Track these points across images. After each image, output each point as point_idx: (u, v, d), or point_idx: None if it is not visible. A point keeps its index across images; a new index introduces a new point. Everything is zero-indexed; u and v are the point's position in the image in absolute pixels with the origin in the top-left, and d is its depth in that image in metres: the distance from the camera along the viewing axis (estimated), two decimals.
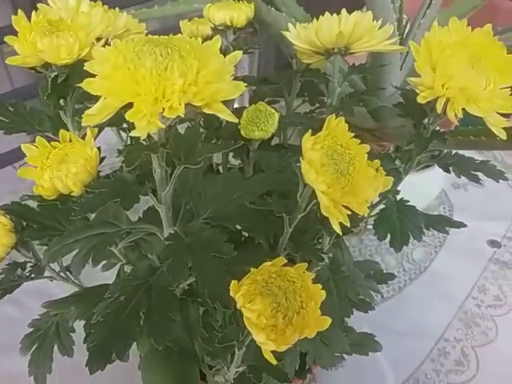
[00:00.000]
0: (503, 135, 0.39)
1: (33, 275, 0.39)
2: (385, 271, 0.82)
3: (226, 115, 0.27)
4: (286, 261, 0.27)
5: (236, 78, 0.49)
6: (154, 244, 0.39)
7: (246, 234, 0.38)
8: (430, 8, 0.71)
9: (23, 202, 0.40)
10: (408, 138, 0.71)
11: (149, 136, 0.28)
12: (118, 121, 0.25)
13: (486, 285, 0.79)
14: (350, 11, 0.41)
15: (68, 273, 0.45)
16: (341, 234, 0.29)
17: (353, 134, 0.31)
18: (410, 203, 0.46)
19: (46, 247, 0.40)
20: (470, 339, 0.71)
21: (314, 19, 0.40)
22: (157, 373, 0.37)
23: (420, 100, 0.37)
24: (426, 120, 0.42)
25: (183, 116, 0.24)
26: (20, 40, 0.33)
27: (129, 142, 0.47)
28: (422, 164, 0.45)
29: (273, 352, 0.25)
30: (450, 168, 0.43)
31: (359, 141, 0.32)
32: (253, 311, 0.24)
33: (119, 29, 0.43)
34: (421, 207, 0.89)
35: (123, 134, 0.50)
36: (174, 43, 0.26)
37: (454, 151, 0.44)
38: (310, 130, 0.29)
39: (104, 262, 0.45)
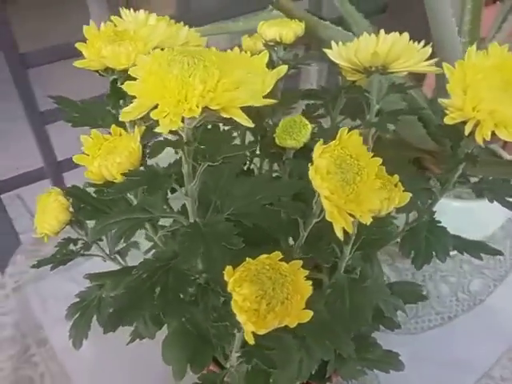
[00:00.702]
0: None
1: (82, 251, 0.45)
2: (437, 299, 0.81)
3: (243, 120, 0.30)
4: (281, 256, 0.30)
5: (285, 91, 0.52)
6: None
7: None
8: (499, 32, 0.69)
9: (84, 188, 0.47)
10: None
11: (178, 134, 0.32)
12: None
13: None
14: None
15: (117, 255, 0.51)
16: (342, 239, 0.31)
17: (366, 147, 0.33)
18: (441, 224, 0.46)
19: None
20: None
21: (355, 38, 0.42)
22: (174, 351, 0.41)
23: (447, 121, 0.38)
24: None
25: (200, 117, 0.28)
26: (88, 46, 0.39)
27: None
28: (456, 187, 0.45)
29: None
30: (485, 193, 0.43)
31: (372, 154, 0.33)
32: (240, 294, 0.27)
33: (180, 41, 0.48)
34: (480, 236, 0.87)
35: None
36: (202, 55, 0.30)
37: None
38: (321, 140, 0.31)
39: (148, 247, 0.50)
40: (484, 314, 0.77)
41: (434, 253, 0.43)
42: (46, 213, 0.42)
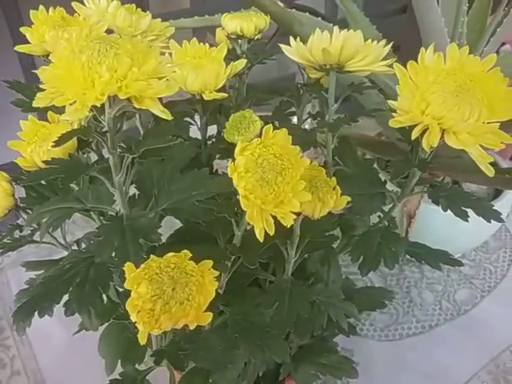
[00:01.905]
0: (490, 172, 0.37)
1: (29, 238, 0.44)
2: (419, 307, 0.79)
3: (157, 111, 0.29)
4: (190, 255, 0.29)
5: (251, 86, 0.51)
6: None
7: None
8: (493, 36, 0.67)
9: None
10: (461, 170, 0.68)
11: (99, 123, 0.32)
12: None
13: None
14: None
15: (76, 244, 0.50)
16: (261, 241, 0.30)
17: (296, 148, 0.32)
18: (396, 231, 0.44)
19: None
20: None
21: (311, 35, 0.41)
22: (110, 344, 0.40)
23: (392, 124, 0.36)
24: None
25: (99, 105, 0.27)
26: (32, 31, 0.38)
27: None
28: (415, 192, 0.43)
29: None
30: (440, 200, 0.41)
31: (300, 155, 0.32)
32: (135, 293, 0.26)
33: (140, 29, 0.47)
34: (473, 244, 0.84)
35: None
36: (118, 43, 0.29)
37: (450, 184, 0.42)
38: (244, 136, 0.30)
39: None
40: (467, 325, 0.75)
41: (382, 260, 0.41)
42: None
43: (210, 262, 0.29)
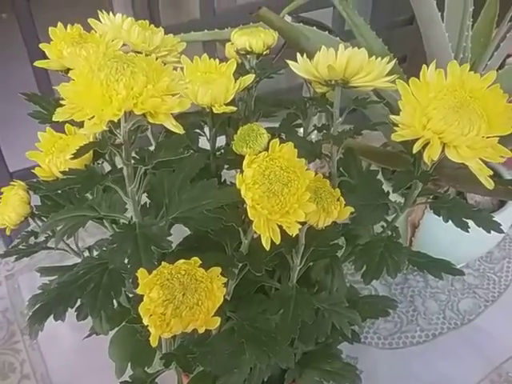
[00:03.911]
0: (490, 184, 0.38)
1: (44, 245, 0.46)
2: (423, 316, 0.80)
3: (170, 125, 0.31)
4: (200, 262, 0.30)
5: (258, 100, 0.53)
6: None
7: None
8: (497, 50, 0.68)
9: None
10: (464, 181, 0.69)
11: (114, 136, 0.33)
12: None
13: None
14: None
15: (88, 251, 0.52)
16: (268, 249, 0.32)
17: (302, 160, 0.33)
18: (400, 240, 0.46)
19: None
20: None
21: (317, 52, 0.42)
22: (120, 348, 0.42)
23: (394, 138, 0.37)
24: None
25: (133, 121, 0.29)
26: (51, 47, 0.40)
27: None
28: (418, 203, 0.44)
29: None
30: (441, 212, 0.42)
31: (306, 167, 0.33)
32: (148, 297, 0.28)
33: (153, 45, 0.48)
34: (477, 254, 0.85)
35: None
36: (134, 61, 0.31)
37: (454, 194, 0.43)
38: (252, 149, 0.32)
39: None
40: (470, 335, 0.76)
41: (385, 269, 0.42)
42: (7, 205, 0.43)
43: (219, 269, 0.30)
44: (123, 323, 0.42)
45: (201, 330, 0.28)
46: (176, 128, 0.31)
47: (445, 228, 0.77)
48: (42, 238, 0.48)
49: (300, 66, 0.43)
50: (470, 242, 0.76)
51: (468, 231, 0.42)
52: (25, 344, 0.73)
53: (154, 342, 0.27)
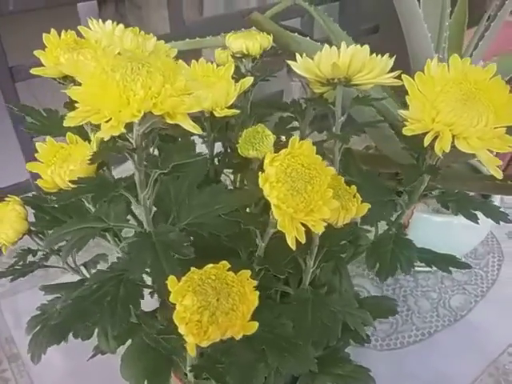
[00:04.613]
0: (499, 174, 0.38)
1: (41, 263, 0.44)
2: (417, 315, 0.81)
3: (188, 126, 0.30)
4: (229, 266, 0.29)
5: (254, 103, 0.52)
6: None
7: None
8: (476, 49, 0.70)
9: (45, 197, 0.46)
10: (454, 177, 0.70)
11: (127, 141, 0.32)
12: None
13: None
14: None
15: (83, 267, 0.50)
16: (294, 248, 0.31)
17: (319, 157, 0.33)
18: (407, 237, 0.46)
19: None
20: None
21: (318, 51, 0.42)
22: (133, 366, 0.40)
23: (406, 132, 0.37)
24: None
25: (138, 121, 0.27)
26: (46, 54, 0.39)
27: None
28: (421, 199, 0.45)
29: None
30: (449, 205, 0.43)
31: (325, 163, 0.33)
32: (181, 305, 0.26)
33: (147, 51, 0.47)
34: (463, 251, 0.86)
35: None
36: (148, 61, 0.29)
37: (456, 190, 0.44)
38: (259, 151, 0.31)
39: None
40: (465, 330, 0.77)
41: (398, 265, 0.42)
42: (3, 222, 0.41)
43: (248, 272, 0.29)
44: (134, 339, 0.41)
45: (238, 336, 0.26)
46: (194, 128, 0.30)
47: (433, 227, 0.78)
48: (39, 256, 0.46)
49: (301, 66, 0.43)
50: (458, 240, 0.78)
51: (478, 222, 0.42)
52: (13, 372, 0.70)
53: (192, 352, 0.26)
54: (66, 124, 0.29)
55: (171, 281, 0.27)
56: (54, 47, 0.39)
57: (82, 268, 0.50)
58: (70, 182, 0.33)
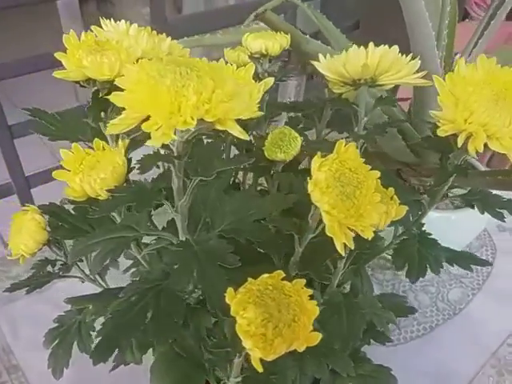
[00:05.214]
0: None
1: (61, 273, 0.42)
2: (418, 309, 0.81)
3: (237, 132, 0.29)
4: (284, 275, 0.28)
5: (269, 103, 0.51)
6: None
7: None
8: (475, 47, 0.71)
9: (62, 205, 0.44)
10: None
11: (168, 148, 0.31)
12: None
13: None
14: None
15: (97, 276, 0.48)
16: (343, 254, 0.30)
17: (363, 160, 0.32)
18: (432, 236, 0.46)
19: None
20: None
21: (344, 51, 0.42)
22: (164, 377, 0.39)
23: (440, 133, 0.37)
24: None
25: (193, 129, 0.26)
26: (68, 56, 0.37)
27: None
28: (445, 198, 0.45)
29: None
30: (475, 204, 0.43)
31: (369, 167, 0.33)
32: (244, 318, 0.25)
33: (162, 52, 0.46)
34: (460, 246, 0.88)
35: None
36: (195, 65, 0.28)
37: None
38: (319, 152, 0.30)
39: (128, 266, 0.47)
40: (464, 323, 0.78)
41: (427, 265, 0.42)
42: (22, 232, 0.39)
43: (303, 281, 0.29)
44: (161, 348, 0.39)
45: (301, 348, 0.26)
46: (242, 134, 0.29)
47: (431, 222, 0.79)
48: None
49: (325, 66, 0.43)
50: (455, 235, 0.79)
51: (504, 220, 0.43)
52: None
53: (258, 367, 0.25)
54: (108, 132, 0.28)
55: (229, 293, 0.26)
56: (74, 49, 0.37)
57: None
58: (107, 191, 0.32)
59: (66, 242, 0.43)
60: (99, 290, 0.46)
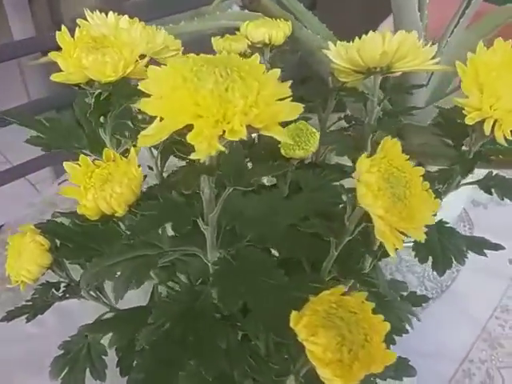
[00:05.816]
0: None
1: (67, 295, 0.38)
2: (407, 289, 0.82)
3: (284, 137, 0.26)
4: (345, 290, 0.26)
5: None
6: (189, 264, 0.38)
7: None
8: (457, 26, 0.70)
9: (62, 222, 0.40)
10: (431, 155, 0.70)
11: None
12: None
13: (509, 304, 0.77)
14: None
15: (98, 292, 0.44)
16: (396, 258, 0.28)
17: (407, 157, 0.30)
18: (449, 225, 0.45)
19: (77, 266, 0.39)
20: (495, 360, 0.69)
21: (356, 38, 0.39)
22: None
23: (468, 121, 0.36)
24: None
25: (246, 138, 0.23)
26: (64, 56, 0.33)
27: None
28: (461, 185, 0.44)
29: None
30: (492, 190, 0.42)
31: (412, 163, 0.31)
32: (317, 345, 0.23)
33: (158, 45, 0.42)
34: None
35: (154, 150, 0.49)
36: (233, 64, 0.25)
37: (494, 172, 0.43)
38: (365, 153, 0.28)
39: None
40: (452, 300, 0.79)
41: (452, 257, 0.41)
42: (23, 257, 0.35)
43: (364, 294, 0.27)
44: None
45: (379, 370, 0.24)
46: (286, 138, 0.26)
47: None
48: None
49: (335, 54, 0.40)
50: (440, 215, 0.80)
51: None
52: None
53: None
54: (140, 144, 0.24)
55: (294, 317, 0.24)
56: (70, 47, 0.33)
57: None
58: (132, 208, 0.28)
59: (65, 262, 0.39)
60: (91, 306, 0.43)
